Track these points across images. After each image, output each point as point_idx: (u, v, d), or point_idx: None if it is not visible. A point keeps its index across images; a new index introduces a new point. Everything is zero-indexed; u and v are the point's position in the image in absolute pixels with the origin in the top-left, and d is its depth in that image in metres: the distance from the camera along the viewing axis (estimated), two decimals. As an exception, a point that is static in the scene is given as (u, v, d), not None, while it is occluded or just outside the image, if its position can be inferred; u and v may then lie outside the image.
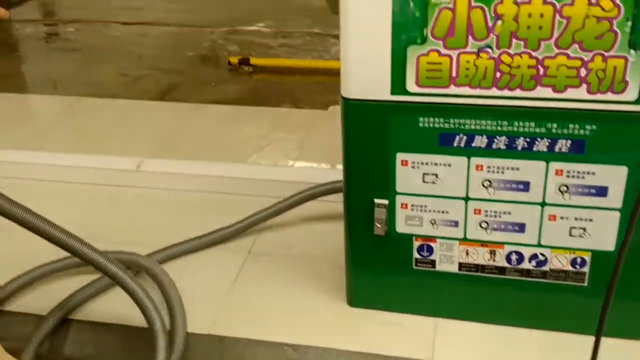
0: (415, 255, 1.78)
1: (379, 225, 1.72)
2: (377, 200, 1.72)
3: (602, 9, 1.40)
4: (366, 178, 1.71)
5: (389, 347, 1.75)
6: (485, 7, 1.44)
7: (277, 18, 4.73)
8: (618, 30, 1.41)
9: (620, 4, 1.38)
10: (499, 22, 1.45)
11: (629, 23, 1.40)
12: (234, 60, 3.97)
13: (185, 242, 2.16)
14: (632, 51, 1.42)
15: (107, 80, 3.91)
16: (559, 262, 1.69)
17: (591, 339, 1.21)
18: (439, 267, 1.78)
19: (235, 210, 2.26)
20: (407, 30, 1.50)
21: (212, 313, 1.88)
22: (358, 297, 1.90)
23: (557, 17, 1.42)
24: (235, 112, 3.30)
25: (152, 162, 2.58)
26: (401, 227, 1.75)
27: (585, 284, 1.70)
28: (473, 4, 1.45)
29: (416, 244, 1.77)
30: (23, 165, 2.65)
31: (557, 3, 1.41)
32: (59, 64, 4.49)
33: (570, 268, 1.69)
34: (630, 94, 1.46)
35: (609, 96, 1.47)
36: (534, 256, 1.70)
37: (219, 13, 5.10)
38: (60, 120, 3.34)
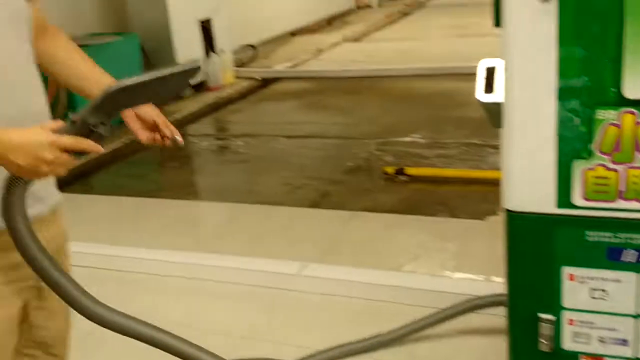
0: (584, 374, 1.71)
1: (544, 342, 1.69)
2: (542, 316, 1.69)
3: None
4: (531, 292, 1.70)
5: None
6: (653, 123, 1.45)
7: (433, 129, 4.87)
8: None
9: None
10: (669, 139, 1.45)
11: None
12: (390, 170, 4.12)
13: (341, 347, 2.22)
14: None
15: (271, 189, 4.21)
16: None
17: None
18: (610, 389, 1.69)
19: (391, 319, 2.30)
20: (573, 145, 1.53)
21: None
22: (522, 415, 1.84)
23: None
24: (391, 220, 3.40)
25: (313, 267, 2.72)
26: (568, 344, 1.70)
27: None
28: (638, 120, 1.46)
29: (585, 362, 1.70)
30: (192, 266, 2.89)
31: None
32: (228, 174, 4.92)
33: None
34: None
35: None
36: None
37: (375, 126, 5.37)
38: (227, 225, 3.63)
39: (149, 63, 6.43)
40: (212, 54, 6.90)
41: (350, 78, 7.19)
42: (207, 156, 5.34)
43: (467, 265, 2.70)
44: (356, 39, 9.87)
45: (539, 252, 1.66)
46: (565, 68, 1.50)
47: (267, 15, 9.29)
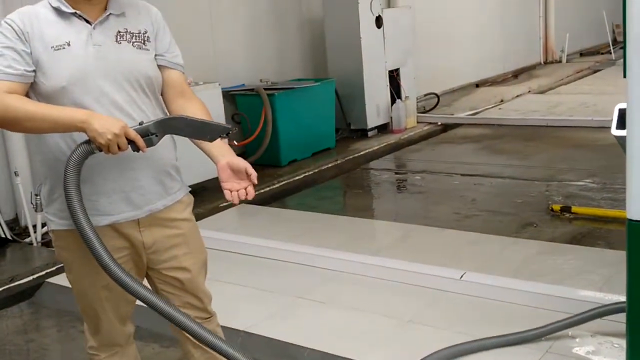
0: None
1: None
2: (655, 310, 2.08)
3: None
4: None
5: None
6: None
7: (605, 176, 5.10)
8: None
9: None
10: None
11: None
12: (556, 207, 4.48)
13: (501, 337, 2.70)
14: None
15: (442, 216, 4.74)
16: None
17: None
18: None
19: (529, 320, 2.75)
20: (682, 169, 1.94)
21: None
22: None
23: None
24: (550, 247, 3.79)
25: (470, 274, 3.26)
26: (677, 335, 2.06)
27: None
28: None
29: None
30: (370, 266, 3.57)
31: None
32: (404, 201, 5.55)
33: None
34: None
35: None
36: None
37: (548, 170, 5.70)
38: (400, 240, 4.23)
39: (341, 105, 7.30)
40: (397, 100, 7.61)
41: (528, 126, 7.52)
42: (387, 187, 6.01)
43: (616, 287, 2.97)
44: (541, 92, 10.10)
45: (655, 255, 2.06)
46: (676, 108, 1.93)
47: (453, 67, 9.87)
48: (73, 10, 1.96)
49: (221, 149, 2.03)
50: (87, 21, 1.97)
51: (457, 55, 9.94)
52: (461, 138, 7.41)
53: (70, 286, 2.15)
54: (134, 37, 2.02)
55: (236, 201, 1.98)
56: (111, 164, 1.93)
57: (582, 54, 13.39)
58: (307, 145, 6.71)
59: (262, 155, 6.22)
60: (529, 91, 9.98)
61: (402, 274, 3.43)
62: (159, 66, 2.07)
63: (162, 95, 2.11)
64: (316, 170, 6.24)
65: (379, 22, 7.34)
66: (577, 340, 2.66)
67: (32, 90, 1.92)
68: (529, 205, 4.78)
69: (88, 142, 1.84)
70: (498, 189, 5.33)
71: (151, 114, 2.01)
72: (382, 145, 7.10)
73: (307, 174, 6.14)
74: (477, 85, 10.53)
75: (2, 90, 1.84)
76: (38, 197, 4.52)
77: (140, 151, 1.86)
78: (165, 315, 1.87)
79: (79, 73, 1.91)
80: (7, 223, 4.69)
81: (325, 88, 7.00)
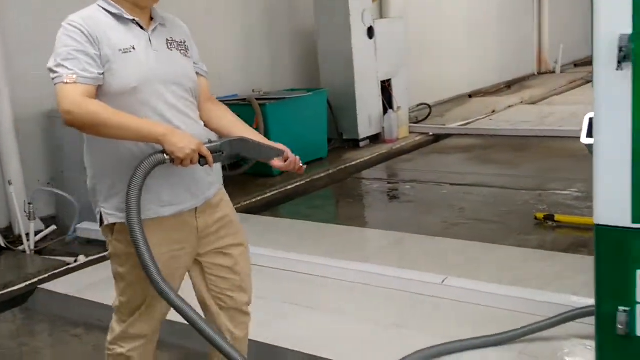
0: (655, 359, 2.15)
1: (620, 327, 2.16)
2: (620, 308, 2.17)
3: None
4: (612, 290, 2.19)
5: None
6: None
7: (590, 185, 5.16)
8: None
9: None
10: None
11: None
12: (540, 215, 4.57)
13: (467, 340, 2.79)
14: None
15: (430, 224, 4.82)
16: None
17: None
18: (677, 373, 2.11)
19: (507, 323, 2.83)
20: (644, 175, 2.04)
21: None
22: (605, 392, 2.29)
23: None
24: (533, 254, 3.88)
25: (452, 279, 3.35)
26: (641, 333, 2.15)
27: None
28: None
29: (655, 348, 2.14)
30: (355, 272, 3.65)
31: None
32: (394, 210, 5.64)
33: None
34: None
35: None
36: None
37: (536, 180, 5.79)
38: (389, 247, 4.31)
39: (333, 115, 7.40)
40: (389, 110, 7.71)
41: (518, 137, 7.62)
42: (378, 196, 6.10)
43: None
44: (533, 102, 10.21)
45: (619, 257, 2.17)
46: (637, 118, 2.03)
47: (446, 78, 9.99)
48: (132, 17, 2.11)
49: (254, 134, 2.32)
50: (142, 28, 2.13)
51: (449, 66, 10.06)
52: (452, 148, 7.50)
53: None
54: (179, 46, 2.21)
55: (292, 169, 2.32)
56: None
57: (576, 65, 13.52)
58: (299, 155, 6.75)
59: (255, 164, 6.31)
60: (521, 102, 10.09)
61: (387, 280, 3.52)
62: None
63: None
64: (308, 180, 6.32)
65: (370, 32, 7.46)
66: (551, 342, 2.75)
67: (99, 89, 2.03)
68: (515, 214, 4.87)
69: (162, 152, 1.99)
70: (486, 198, 5.42)
71: (195, 115, 2.21)
72: (373, 155, 7.19)
73: (298, 183, 6.22)
74: (470, 96, 10.65)
75: (81, 93, 1.96)
76: (31, 206, 4.61)
77: (207, 165, 2.03)
78: (198, 329, 2.02)
79: (146, 75, 2.07)
80: (1, 231, 4.77)
81: (318, 98, 7.10)
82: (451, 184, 5.93)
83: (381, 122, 7.67)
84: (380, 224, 5.15)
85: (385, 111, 7.71)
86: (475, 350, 2.75)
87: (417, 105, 8.88)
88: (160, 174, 2.07)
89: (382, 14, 8.24)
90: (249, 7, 7.28)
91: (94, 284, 3.89)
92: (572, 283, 3.29)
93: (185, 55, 2.22)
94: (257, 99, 6.47)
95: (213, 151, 2.04)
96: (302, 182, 6.24)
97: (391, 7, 8.19)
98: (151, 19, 2.17)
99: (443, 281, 3.34)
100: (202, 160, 2.01)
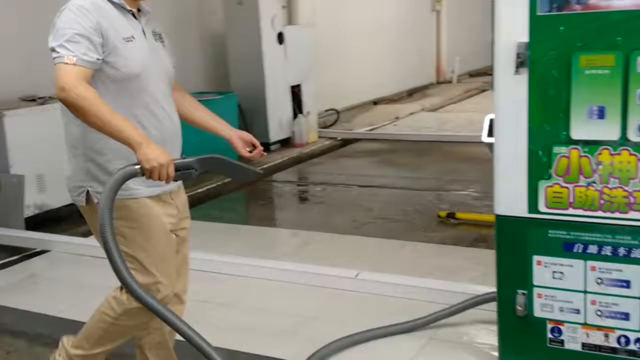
0: (549, 335, 2.39)
1: (519, 308, 2.40)
2: (519, 291, 2.40)
3: (672, 158, 2.07)
4: (512, 274, 2.42)
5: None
6: (590, 156, 2.19)
7: (487, 186, 5.52)
8: (684, 173, 2.05)
9: (684, 156, 2.04)
10: (600, 167, 2.18)
11: (692, 168, 2.04)
12: (443, 214, 4.85)
13: (389, 327, 2.96)
14: (697, 188, 2.04)
15: (341, 224, 5.00)
16: (660, 348, 2.19)
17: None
18: (567, 346, 2.37)
19: (420, 310, 3.03)
20: (538, 170, 2.28)
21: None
22: (506, 367, 2.52)
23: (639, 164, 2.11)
24: (436, 249, 4.14)
25: (365, 274, 3.53)
26: (537, 312, 2.40)
27: (683, 367, 2.17)
28: (581, 154, 2.20)
29: (549, 326, 2.39)
30: (270, 269, 3.75)
31: (639, 154, 2.11)
32: (306, 212, 5.79)
33: (669, 353, 2.18)
34: (700, 218, 2.05)
35: (684, 219, 2.08)
36: (638, 340, 2.23)
37: (437, 181, 6.12)
38: (301, 246, 4.45)
39: (244, 120, 7.46)
40: (299, 115, 7.87)
41: (420, 141, 8.00)
42: (289, 198, 6.24)
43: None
44: (433, 110, 10.70)
45: (517, 244, 2.40)
46: (532, 118, 2.27)
47: (352, 85, 10.28)
48: (130, 8, 2.22)
49: (225, 125, 2.50)
50: (136, 19, 2.25)
51: (355, 73, 10.36)
52: (359, 152, 7.76)
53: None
54: (161, 38, 2.36)
55: (259, 157, 2.49)
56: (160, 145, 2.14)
57: (471, 75, 14.23)
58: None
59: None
60: (422, 109, 10.54)
61: (303, 276, 3.64)
62: None
63: None
64: (219, 183, 6.35)
65: (280, 38, 7.59)
66: (457, 327, 2.97)
67: (103, 75, 2.12)
68: (419, 213, 5.14)
69: (135, 164, 2.05)
70: (392, 199, 5.67)
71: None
72: (284, 158, 7.32)
73: (210, 186, 6.24)
74: (375, 103, 11.00)
75: (79, 75, 2.03)
76: None
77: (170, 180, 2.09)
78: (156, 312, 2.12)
79: (146, 63, 2.20)
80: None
81: (228, 102, 7.13)
82: (359, 186, 6.15)
83: (291, 126, 7.81)
84: (292, 224, 5.28)
85: (295, 116, 7.86)
86: (388, 338, 2.93)
87: (326, 111, 9.10)
88: None
89: (291, 20, 8.41)
90: (157, 9, 7.19)
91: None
92: (473, 274, 3.54)
93: (164, 47, 2.36)
94: (167, 102, 6.43)
95: (184, 167, 2.10)
96: (213, 185, 6.26)
97: (300, 13, 8.37)
98: (138, 10, 2.29)
99: (356, 275, 3.50)
100: (178, 175, 2.09)
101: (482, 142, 2.58)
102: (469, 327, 2.97)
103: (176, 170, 2.07)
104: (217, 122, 2.52)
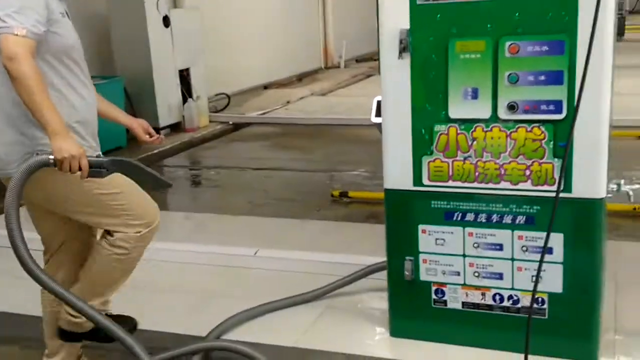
0: (434, 296, 2.63)
1: (407, 273, 2.62)
2: (407, 257, 2.62)
3: (535, 134, 2.34)
4: (401, 242, 2.63)
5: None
6: (466, 133, 2.42)
7: (375, 166, 5.79)
8: (545, 147, 2.33)
9: (545, 131, 2.32)
10: (475, 142, 2.42)
11: (552, 142, 2.32)
12: (336, 193, 5.07)
13: (288, 298, 3.11)
14: (556, 159, 2.32)
15: (237, 206, 5.10)
16: (527, 301, 2.48)
17: None
18: (449, 306, 2.62)
19: (317, 282, 3.21)
20: (422, 147, 2.50)
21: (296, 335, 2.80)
22: (395, 328, 2.74)
23: (508, 139, 2.37)
24: (331, 226, 4.33)
25: (263, 251, 3.67)
26: (423, 276, 2.63)
27: (546, 317, 2.47)
28: (459, 131, 2.43)
29: (433, 288, 2.63)
30: (172, 251, 3.80)
31: (507, 131, 2.37)
32: (200, 195, 5.83)
33: (535, 306, 2.48)
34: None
35: (545, 187, 2.36)
36: (510, 297, 2.51)
37: (329, 162, 6.34)
38: (197, 228, 4.51)
39: (131, 104, 7.33)
40: (189, 99, 7.83)
41: (312, 125, 8.20)
42: (182, 182, 6.23)
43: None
44: (322, 94, 10.94)
45: (404, 215, 2.61)
46: (415, 99, 2.47)
47: (242, 69, 10.30)
48: None
49: (126, 115, 2.66)
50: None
51: (245, 57, 10.39)
52: (252, 136, 7.85)
53: None
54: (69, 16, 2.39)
55: (158, 142, 2.72)
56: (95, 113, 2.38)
57: (357, 60, 14.61)
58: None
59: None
60: (312, 93, 10.75)
61: (202, 256, 3.72)
62: None
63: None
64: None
65: (166, 21, 7.50)
66: (351, 296, 3.16)
67: (43, 47, 2.17)
68: (313, 193, 5.33)
69: (49, 153, 2.10)
70: (286, 180, 5.83)
71: None
72: (175, 143, 7.27)
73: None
74: (266, 87, 11.10)
75: (29, 49, 2.08)
76: None
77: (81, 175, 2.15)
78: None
79: (75, 37, 2.33)
80: None
81: (113, 86, 6.97)
82: (253, 169, 6.25)
83: (181, 110, 7.77)
84: (186, 208, 5.31)
85: (184, 100, 7.81)
86: (288, 309, 3.08)
87: (216, 95, 9.08)
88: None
89: (176, 3, 8.31)
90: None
91: None
92: (365, 247, 3.75)
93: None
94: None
95: (96, 165, 2.13)
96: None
97: (186, -3, 8.30)
98: None
99: (255, 253, 3.63)
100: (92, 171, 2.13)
101: (370, 125, 2.77)
102: (363, 295, 3.17)
103: (90, 166, 2.11)
104: (117, 111, 2.63)
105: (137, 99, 7.38)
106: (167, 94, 7.57)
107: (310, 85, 11.45)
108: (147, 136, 2.64)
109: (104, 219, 2.35)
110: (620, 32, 13.97)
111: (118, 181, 2.30)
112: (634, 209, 4.16)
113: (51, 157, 2.10)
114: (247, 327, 2.95)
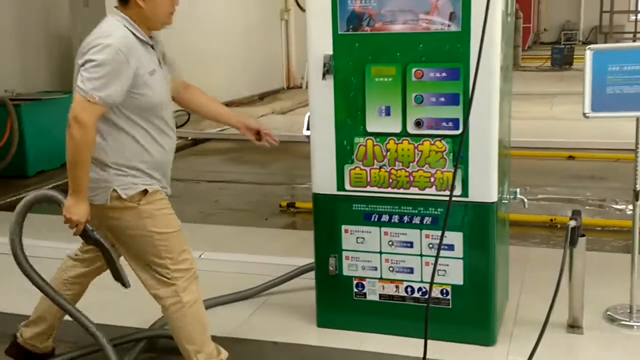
0: (355, 289, 2.98)
1: (331, 269, 2.96)
2: (331, 255, 2.97)
3: (438, 147, 2.71)
4: (326, 241, 2.97)
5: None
6: (381, 145, 2.79)
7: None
8: (447, 158, 2.71)
9: (446, 144, 2.70)
10: (388, 153, 2.79)
11: (451, 154, 2.70)
12: (284, 203, 5.41)
13: (227, 295, 3.42)
14: (452, 169, 2.70)
15: (189, 216, 5.37)
16: (435, 292, 2.84)
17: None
18: (368, 298, 2.96)
19: (256, 282, 3.53)
20: (344, 157, 2.85)
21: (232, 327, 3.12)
22: (322, 320, 3.08)
23: (416, 151, 2.75)
24: (276, 233, 4.66)
25: (207, 254, 3.97)
26: (345, 271, 2.97)
27: (450, 306, 2.83)
28: (375, 143, 2.80)
29: (355, 282, 2.97)
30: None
31: (415, 143, 2.74)
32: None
33: (440, 296, 2.84)
34: (458, 192, 2.71)
35: (447, 192, 2.72)
36: (419, 289, 2.87)
37: (282, 176, 6.69)
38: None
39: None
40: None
41: (268, 141, 8.54)
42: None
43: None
44: (283, 113, 11.31)
45: (329, 217, 2.95)
46: (338, 115, 2.84)
47: (204, 87, 10.38)
48: (151, 43, 2.49)
49: (236, 115, 2.95)
50: (153, 49, 2.50)
51: (207, 76, 10.68)
52: (210, 151, 8.15)
53: None
54: (164, 59, 2.60)
55: (268, 144, 2.95)
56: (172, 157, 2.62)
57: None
58: (55, 155, 6.85)
59: (8, 166, 6.31)
60: (272, 112, 11.12)
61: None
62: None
63: (174, 91, 2.73)
64: (66, 180, 6.45)
65: (128, 40, 7.78)
66: (286, 294, 3.49)
67: (129, 104, 2.38)
68: (264, 204, 5.65)
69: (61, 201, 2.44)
70: (239, 192, 6.15)
71: None
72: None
73: (57, 183, 6.36)
74: (227, 105, 11.38)
75: (95, 116, 2.30)
76: None
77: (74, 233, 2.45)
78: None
79: (165, 93, 2.53)
80: None
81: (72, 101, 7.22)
82: (208, 181, 6.56)
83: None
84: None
85: (145, 116, 8.07)
86: (229, 304, 3.39)
87: (176, 111, 9.34)
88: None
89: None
90: (-3, 9, 7.20)
91: None
92: (303, 251, 4.08)
93: (167, 65, 2.62)
94: (10, 100, 6.46)
95: (85, 235, 2.46)
96: (61, 183, 6.39)
97: (150, 17, 8.59)
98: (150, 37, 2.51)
99: (200, 255, 3.93)
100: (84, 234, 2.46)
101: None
102: (297, 292, 3.50)
103: (84, 231, 2.44)
104: (230, 113, 2.91)
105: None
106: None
107: (271, 104, 11.81)
108: (255, 138, 2.92)
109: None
110: (568, 62, 14.80)
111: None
112: (551, 220, 4.59)
113: (62, 203, 2.42)
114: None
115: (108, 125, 2.42)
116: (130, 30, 2.43)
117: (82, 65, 2.36)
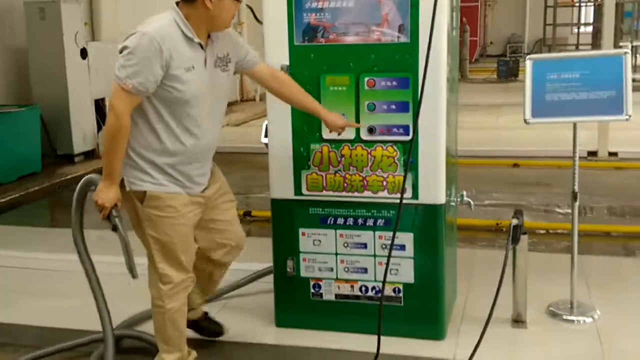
0: (312, 290, 3.10)
1: (289, 270, 3.07)
2: (289, 257, 3.08)
3: (389, 152, 2.87)
4: (284, 244, 3.09)
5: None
6: (336, 151, 2.93)
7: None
8: (398, 162, 2.87)
9: (397, 150, 2.86)
10: (343, 158, 2.93)
11: (402, 159, 2.86)
12: (240, 212, 5.49)
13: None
14: (403, 173, 2.85)
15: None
16: (387, 291, 2.98)
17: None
18: (325, 297, 3.09)
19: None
20: (301, 162, 2.98)
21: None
22: (280, 320, 3.19)
23: (369, 156, 2.90)
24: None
25: None
26: (303, 272, 3.09)
27: (402, 304, 2.98)
28: (330, 149, 2.94)
29: (312, 283, 3.09)
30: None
31: (368, 149, 2.89)
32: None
33: (393, 294, 2.98)
34: (409, 194, 2.86)
35: (398, 195, 2.88)
36: (373, 288, 3.01)
37: (239, 187, 6.72)
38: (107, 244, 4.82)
39: (47, 131, 7.53)
40: (103, 127, 8.06)
41: (226, 152, 8.62)
42: (92, 204, 6.49)
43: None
44: (237, 124, 11.40)
45: (287, 220, 3.07)
46: (295, 123, 2.97)
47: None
48: (199, 41, 2.48)
49: (326, 112, 2.81)
50: (202, 48, 2.50)
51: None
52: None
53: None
54: (222, 61, 2.60)
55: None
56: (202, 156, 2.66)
57: (272, 94, 15.19)
58: (11, 169, 6.83)
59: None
60: (227, 124, 11.19)
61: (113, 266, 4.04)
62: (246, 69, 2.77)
63: (259, 81, 2.83)
64: (23, 193, 6.45)
65: (83, 53, 7.79)
66: (245, 297, 3.59)
67: (158, 95, 2.43)
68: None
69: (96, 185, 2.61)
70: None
71: (220, 123, 2.76)
72: (88, 170, 7.47)
73: (12, 196, 6.32)
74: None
75: (130, 104, 2.39)
76: None
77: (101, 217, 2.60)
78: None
79: (199, 92, 2.50)
80: None
81: (29, 114, 7.20)
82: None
83: (96, 138, 8.02)
84: (101, 227, 5.57)
85: (99, 128, 8.06)
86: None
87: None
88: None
89: (94, 37, 8.61)
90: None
91: None
92: (263, 257, 4.19)
93: (224, 70, 2.63)
94: (-37, 113, 6.39)
95: (110, 218, 2.57)
96: (16, 195, 6.35)
97: (103, 31, 8.63)
98: (208, 36, 2.53)
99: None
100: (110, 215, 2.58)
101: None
102: (255, 295, 3.60)
103: (109, 215, 2.55)
104: (318, 105, 2.81)
105: (53, 126, 7.60)
106: (82, 122, 7.82)
107: (226, 117, 11.87)
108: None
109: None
110: (514, 73, 15.31)
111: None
112: (497, 224, 4.81)
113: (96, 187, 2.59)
114: (150, 323, 3.31)
115: (134, 112, 2.48)
116: (178, 25, 2.46)
117: (120, 52, 2.44)
